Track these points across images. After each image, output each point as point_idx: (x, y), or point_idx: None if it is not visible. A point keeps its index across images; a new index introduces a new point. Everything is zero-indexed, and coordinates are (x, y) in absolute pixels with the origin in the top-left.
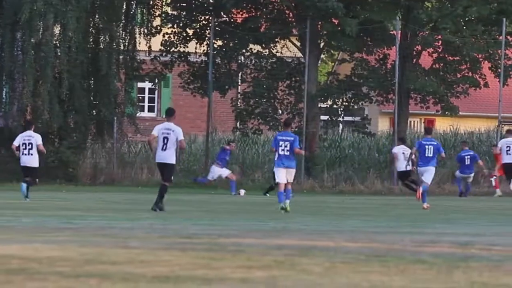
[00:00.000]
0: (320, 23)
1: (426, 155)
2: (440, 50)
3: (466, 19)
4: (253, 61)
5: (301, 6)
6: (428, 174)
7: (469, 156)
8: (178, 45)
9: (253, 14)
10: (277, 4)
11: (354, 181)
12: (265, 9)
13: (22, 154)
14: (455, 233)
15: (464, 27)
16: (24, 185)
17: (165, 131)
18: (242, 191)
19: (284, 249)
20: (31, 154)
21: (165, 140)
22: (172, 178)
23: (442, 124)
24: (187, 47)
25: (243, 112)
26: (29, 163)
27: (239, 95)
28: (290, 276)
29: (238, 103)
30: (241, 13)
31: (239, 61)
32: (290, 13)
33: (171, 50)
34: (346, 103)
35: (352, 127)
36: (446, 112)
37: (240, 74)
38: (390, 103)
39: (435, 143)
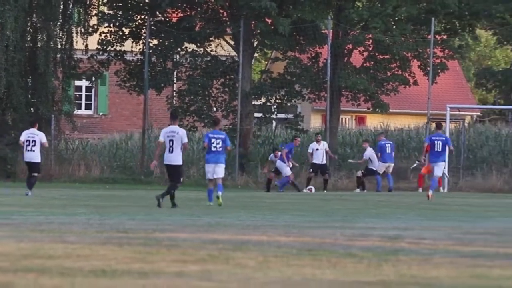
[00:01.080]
0: (253, 22)
1: (436, 150)
2: (370, 49)
3: (396, 18)
4: (188, 60)
5: (235, 6)
6: (438, 168)
7: (389, 145)
8: (115, 44)
9: (188, 13)
10: (212, 4)
11: None
12: (200, 9)
13: (26, 150)
14: (385, 227)
15: (394, 26)
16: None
17: (170, 134)
18: (311, 188)
19: (219, 243)
20: (33, 151)
21: (171, 142)
22: (181, 178)
23: (373, 121)
24: (123, 45)
25: (179, 109)
26: (32, 159)
27: (174, 93)
28: (224, 270)
29: (174, 101)
30: (176, 12)
31: (175, 60)
32: (224, 13)
33: (107, 49)
34: (279, 101)
35: (285, 124)
36: (377, 109)
37: (175, 72)
38: (322, 100)
39: (444, 138)
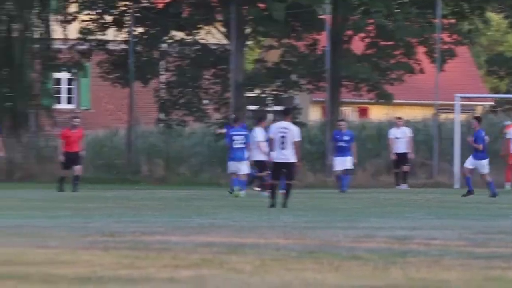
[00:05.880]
0: (245, 7)
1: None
2: (372, 35)
3: (399, 1)
4: (176, 49)
5: None
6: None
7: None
8: (96, 32)
9: None
10: None
11: None
12: None
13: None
14: (391, 227)
15: (397, 10)
16: None
17: (282, 130)
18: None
19: (212, 246)
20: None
21: (283, 139)
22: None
23: (377, 113)
24: (106, 34)
25: (167, 102)
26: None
27: (162, 84)
28: (219, 275)
29: (161, 93)
30: None
31: (161, 49)
32: None
33: (88, 38)
34: (275, 92)
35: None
36: (381, 100)
37: (162, 63)
38: (321, 91)
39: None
